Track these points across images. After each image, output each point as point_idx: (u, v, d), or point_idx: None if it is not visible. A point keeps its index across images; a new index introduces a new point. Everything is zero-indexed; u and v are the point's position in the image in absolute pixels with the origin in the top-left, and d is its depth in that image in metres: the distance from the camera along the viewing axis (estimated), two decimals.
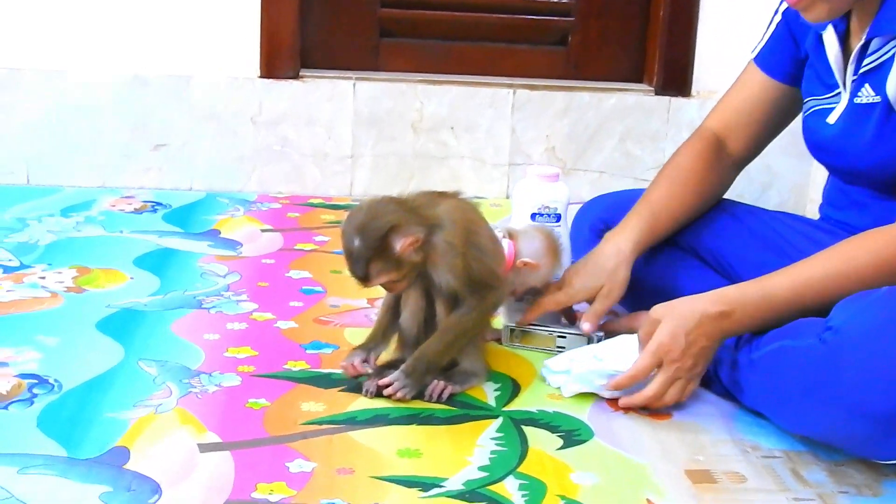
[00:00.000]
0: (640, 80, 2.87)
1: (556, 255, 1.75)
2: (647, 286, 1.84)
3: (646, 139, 2.81)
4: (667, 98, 2.78)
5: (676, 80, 2.79)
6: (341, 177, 2.74)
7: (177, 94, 2.66)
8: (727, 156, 1.84)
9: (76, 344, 1.70)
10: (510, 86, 2.76)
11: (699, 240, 1.86)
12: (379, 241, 1.49)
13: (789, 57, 1.75)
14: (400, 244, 1.50)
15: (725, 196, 1.89)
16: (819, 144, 1.69)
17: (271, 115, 2.69)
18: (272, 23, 2.66)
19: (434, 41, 2.82)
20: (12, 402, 1.49)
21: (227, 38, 2.66)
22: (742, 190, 2.75)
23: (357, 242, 1.49)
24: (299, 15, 2.68)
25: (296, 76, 2.70)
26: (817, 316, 1.47)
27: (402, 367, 1.56)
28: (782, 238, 1.79)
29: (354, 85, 2.71)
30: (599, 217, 1.92)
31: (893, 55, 1.53)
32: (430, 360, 1.56)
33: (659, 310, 1.56)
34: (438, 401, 1.57)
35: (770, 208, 2.57)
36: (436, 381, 1.59)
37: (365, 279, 1.51)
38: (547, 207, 1.82)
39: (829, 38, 1.63)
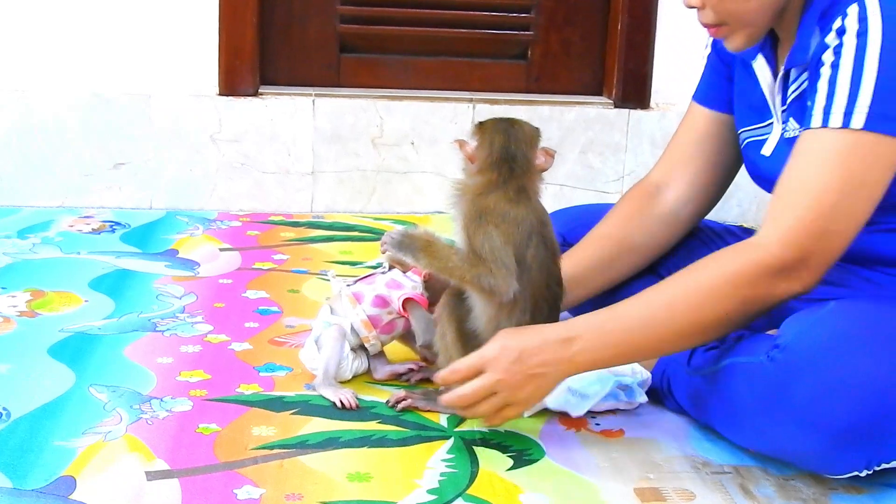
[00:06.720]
0: (599, 93, 2.88)
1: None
2: None
3: (607, 151, 2.82)
4: (626, 110, 2.80)
5: (635, 93, 2.81)
6: (303, 193, 2.74)
7: (136, 112, 2.65)
8: (662, 204, 1.78)
9: (27, 370, 1.68)
10: (470, 100, 2.76)
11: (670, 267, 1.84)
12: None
13: (725, 87, 1.74)
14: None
15: None
16: (759, 175, 1.68)
17: (231, 132, 2.69)
18: (231, 40, 2.66)
19: (394, 56, 2.82)
20: None
21: (185, 56, 2.66)
22: None
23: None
24: (258, 31, 2.68)
25: (255, 93, 2.70)
26: (682, 341, 1.47)
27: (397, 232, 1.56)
28: None
29: (314, 101, 2.71)
30: (558, 232, 1.92)
31: (807, 88, 1.51)
32: (419, 245, 1.53)
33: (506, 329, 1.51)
34: (393, 408, 1.60)
35: (729, 220, 2.61)
36: (400, 391, 1.61)
37: None
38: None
39: (761, 67, 1.62)
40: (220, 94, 2.68)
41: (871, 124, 1.38)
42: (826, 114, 1.41)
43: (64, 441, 1.46)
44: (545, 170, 1.58)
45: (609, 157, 2.82)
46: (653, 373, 1.67)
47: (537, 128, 1.59)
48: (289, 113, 2.70)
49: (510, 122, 1.58)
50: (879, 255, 1.55)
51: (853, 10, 1.42)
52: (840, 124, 1.40)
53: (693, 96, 1.80)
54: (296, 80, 2.78)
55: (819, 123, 1.42)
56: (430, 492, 1.38)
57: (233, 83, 2.68)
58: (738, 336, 1.67)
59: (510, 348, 1.45)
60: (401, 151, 2.76)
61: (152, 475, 1.38)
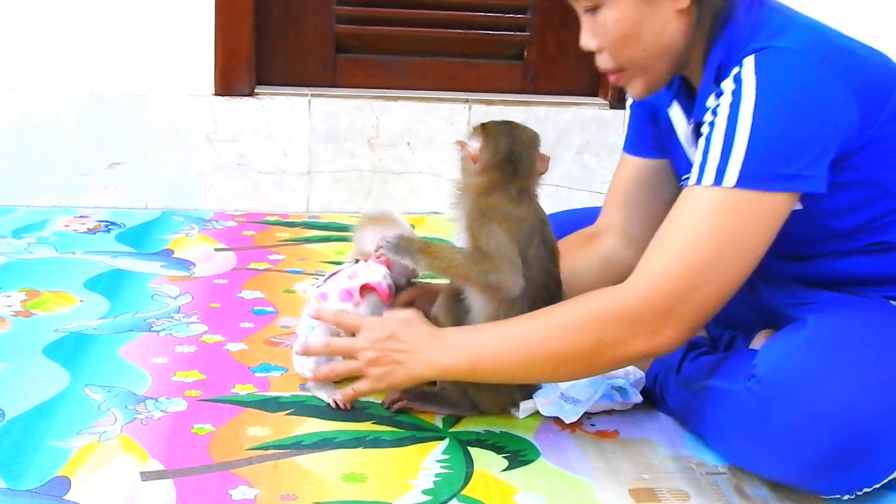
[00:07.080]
0: (595, 94, 2.89)
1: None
2: None
3: (603, 152, 2.82)
4: (622, 111, 2.80)
5: None
6: (298, 193, 2.73)
7: (132, 112, 2.65)
8: (598, 243, 1.76)
9: (22, 370, 1.68)
10: (466, 101, 2.76)
11: None
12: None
13: (651, 133, 1.71)
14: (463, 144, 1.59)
15: None
16: None
17: (227, 132, 2.69)
18: (227, 39, 2.66)
19: (390, 56, 2.82)
20: None
21: (182, 56, 2.66)
22: None
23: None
24: (254, 31, 2.68)
25: (251, 93, 2.70)
26: (536, 370, 1.47)
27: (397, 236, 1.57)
28: None
29: (310, 101, 2.71)
30: None
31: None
32: (417, 247, 1.54)
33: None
34: (388, 409, 1.60)
35: None
36: (394, 393, 1.60)
37: None
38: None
39: (676, 115, 1.59)
40: (217, 94, 2.67)
41: (744, 182, 1.35)
42: (701, 171, 1.39)
43: (58, 441, 1.46)
44: (543, 173, 1.59)
45: (605, 158, 2.82)
46: (647, 374, 1.67)
47: (536, 131, 1.59)
48: (285, 113, 2.70)
49: (513, 125, 1.58)
50: (852, 277, 1.53)
51: (734, 71, 1.40)
52: (712, 182, 1.37)
53: (623, 147, 1.77)
54: (292, 80, 2.78)
55: (694, 181, 1.40)
56: (424, 492, 1.38)
57: (229, 83, 2.67)
58: (732, 338, 1.68)
59: (388, 326, 1.50)
60: (397, 152, 2.76)
61: (147, 475, 1.38)
